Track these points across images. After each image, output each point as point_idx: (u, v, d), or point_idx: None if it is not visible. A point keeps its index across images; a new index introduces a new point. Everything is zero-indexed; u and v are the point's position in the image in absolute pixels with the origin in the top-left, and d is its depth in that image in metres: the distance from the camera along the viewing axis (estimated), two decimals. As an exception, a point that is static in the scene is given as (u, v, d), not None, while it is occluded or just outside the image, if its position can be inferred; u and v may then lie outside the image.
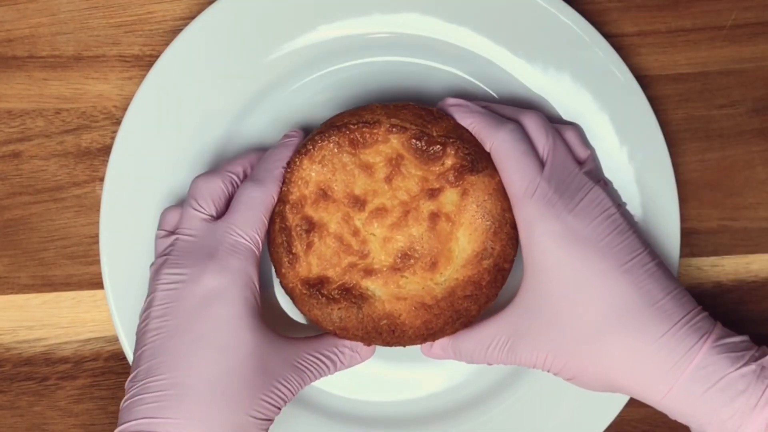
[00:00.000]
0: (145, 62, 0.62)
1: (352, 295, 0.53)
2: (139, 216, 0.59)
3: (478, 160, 0.53)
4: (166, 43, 0.60)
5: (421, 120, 0.54)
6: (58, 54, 0.62)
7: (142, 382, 0.49)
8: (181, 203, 0.56)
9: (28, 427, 0.62)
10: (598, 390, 0.52)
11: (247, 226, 0.53)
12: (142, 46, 0.62)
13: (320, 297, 0.53)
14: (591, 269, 0.50)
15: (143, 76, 0.60)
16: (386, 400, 0.60)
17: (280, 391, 0.52)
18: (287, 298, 0.56)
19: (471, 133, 0.55)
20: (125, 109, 0.60)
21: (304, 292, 0.54)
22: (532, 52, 0.59)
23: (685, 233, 0.60)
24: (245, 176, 0.56)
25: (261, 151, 0.57)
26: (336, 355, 0.55)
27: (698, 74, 0.61)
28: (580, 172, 0.54)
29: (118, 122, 0.61)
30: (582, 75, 0.58)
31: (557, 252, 0.51)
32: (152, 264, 0.54)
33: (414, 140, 0.53)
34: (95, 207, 0.62)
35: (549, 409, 0.58)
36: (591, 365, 0.51)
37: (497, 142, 0.53)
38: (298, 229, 0.54)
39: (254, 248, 0.53)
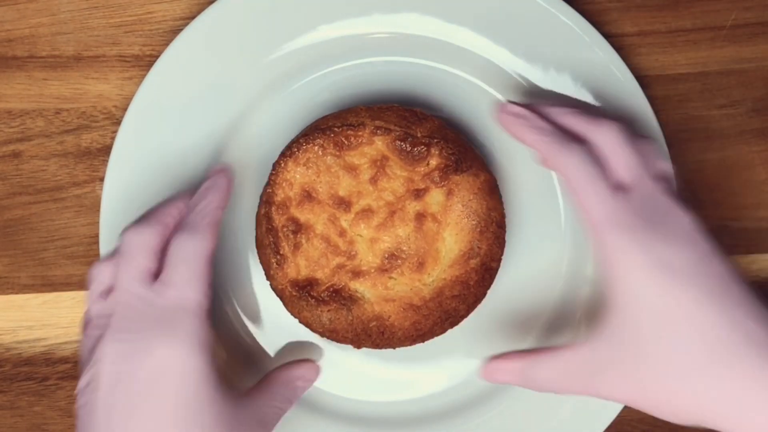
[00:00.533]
0: (145, 62, 0.62)
1: (341, 297, 0.54)
2: (139, 216, 0.59)
3: (462, 160, 0.54)
4: (166, 43, 0.60)
5: (406, 121, 0.55)
6: (58, 54, 0.62)
7: None
8: (112, 256, 0.51)
9: (28, 427, 0.62)
10: (686, 423, 0.48)
11: (190, 284, 0.49)
12: (142, 46, 0.62)
13: (309, 299, 0.54)
14: (683, 302, 0.46)
15: (143, 76, 0.60)
16: (386, 400, 0.60)
17: None
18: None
19: (455, 133, 0.55)
20: (125, 109, 0.60)
21: (294, 294, 0.54)
22: (532, 52, 0.59)
23: (685, 233, 0.60)
24: (179, 221, 0.52)
25: (190, 193, 0.53)
26: (292, 391, 0.55)
27: (698, 74, 0.61)
28: (663, 193, 0.50)
29: (118, 122, 0.61)
30: (582, 75, 0.58)
31: (646, 284, 0.47)
32: (84, 328, 0.50)
33: (398, 142, 0.54)
34: (95, 207, 0.62)
35: (549, 409, 0.58)
36: (683, 403, 0.47)
37: (569, 168, 0.50)
38: (285, 229, 0.54)
39: (200, 306, 0.49)
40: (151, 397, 0.46)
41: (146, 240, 0.50)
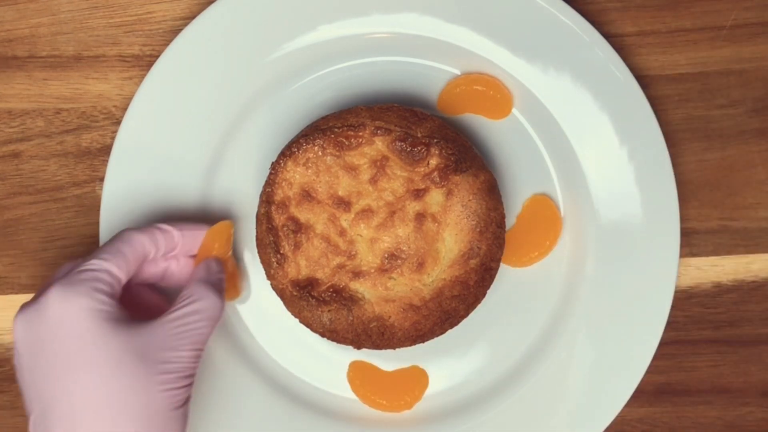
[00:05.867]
0: (145, 62, 0.62)
1: (342, 297, 0.54)
2: (139, 216, 0.59)
3: (462, 160, 0.54)
4: (166, 43, 0.60)
5: (406, 121, 0.55)
6: (58, 54, 0.62)
7: (42, 427, 0.49)
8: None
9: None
10: None
11: (101, 253, 0.52)
12: (142, 46, 0.62)
13: (310, 299, 0.54)
14: None
15: (143, 76, 0.60)
16: (386, 400, 0.60)
17: (171, 364, 0.50)
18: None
19: (455, 133, 0.55)
20: (125, 109, 0.60)
21: (294, 293, 0.54)
22: (532, 52, 0.59)
23: (685, 233, 0.60)
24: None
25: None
26: (191, 294, 0.54)
27: (698, 74, 0.61)
28: None
29: (118, 122, 0.61)
30: (582, 75, 0.58)
31: None
32: None
33: (398, 142, 0.54)
34: (95, 207, 0.62)
35: (549, 409, 0.58)
36: None
37: None
38: (285, 229, 0.54)
39: (103, 268, 0.51)
40: (53, 346, 0.49)
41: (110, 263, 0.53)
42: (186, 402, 0.51)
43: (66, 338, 0.49)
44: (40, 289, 0.52)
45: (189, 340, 0.51)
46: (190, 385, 0.51)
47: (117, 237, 0.54)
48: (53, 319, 0.49)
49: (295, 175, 0.55)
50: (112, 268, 0.52)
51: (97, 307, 0.50)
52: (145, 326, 0.51)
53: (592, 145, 0.59)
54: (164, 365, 0.50)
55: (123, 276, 0.52)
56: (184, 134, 0.59)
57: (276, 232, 0.54)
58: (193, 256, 0.57)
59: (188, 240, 0.56)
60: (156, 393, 0.49)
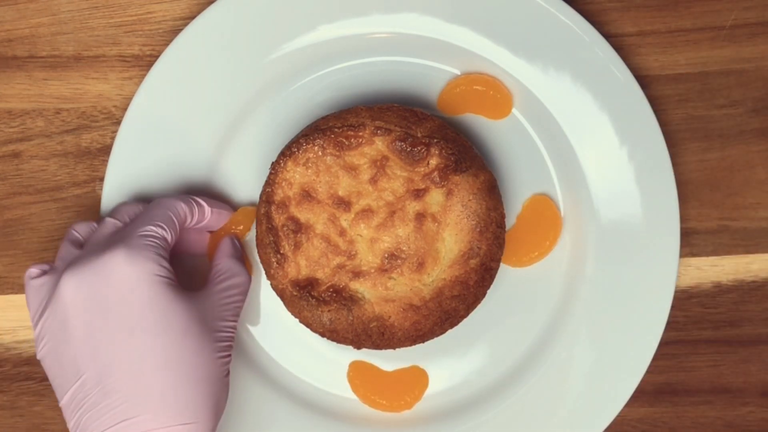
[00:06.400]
0: (145, 62, 0.62)
1: (342, 297, 0.54)
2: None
3: (462, 160, 0.54)
4: (166, 43, 0.60)
5: (406, 121, 0.55)
6: (58, 54, 0.62)
7: (98, 387, 0.49)
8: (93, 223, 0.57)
9: (28, 427, 0.62)
10: None
11: (148, 220, 0.53)
12: (142, 46, 0.62)
13: (310, 299, 0.54)
14: None
15: (143, 76, 0.60)
16: (386, 400, 0.60)
17: (223, 333, 0.53)
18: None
19: (455, 133, 0.55)
20: (125, 109, 0.60)
21: (294, 293, 0.54)
22: (532, 52, 0.59)
23: (685, 233, 0.60)
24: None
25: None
26: (231, 265, 0.57)
27: (698, 74, 0.61)
28: None
29: (118, 122, 0.61)
30: (582, 75, 0.58)
31: None
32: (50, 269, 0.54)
33: (398, 142, 0.54)
34: (95, 207, 0.62)
35: (549, 409, 0.58)
36: None
37: None
38: (285, 229, 0.54)
39: (155, 233, 0.53)
40: (119, 308, 0.50)
41: (130, 206, 0.56)
42: (229, 372, 0.53)
43: (135, 301, 0.50)
44: (63, 253, 0.54)
45: (233, 311, 0.55)
46: (231, 355, 0.54)
47: (163, 204, 0.55)
48: (121, 281, 0.50)
49: (295, 175, 0.55)
50: (168, 235, 0.53)
51: (163, 273, 0.51)
52: (198, 296, 0.53)
53: (592, 145, 0.59)
54: (218, 333, 0.52)
55: (172, 243, 0.54)
56: (184, 134, 0.59)
57: (276, 232, 0.54)
58: (210, 232, 0.59)
59: (215, 216, 0.58)
60: (215, 359, 0.51)
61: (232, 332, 0.54)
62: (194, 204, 0.56)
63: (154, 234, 0.53)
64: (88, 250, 0.53)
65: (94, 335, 0.50)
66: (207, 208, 0.57)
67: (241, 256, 0.58)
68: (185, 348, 0.50)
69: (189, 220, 0.56)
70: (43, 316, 0.52)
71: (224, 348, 0.53)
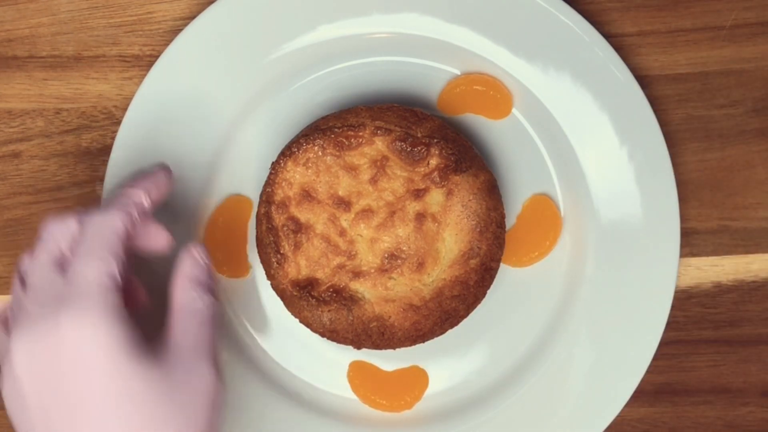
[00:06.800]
0: (145, 62, 0.62)
1: (342, 297, 0.54)
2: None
3: (462, 160, 0.54)
4: (166, 43, 0.60)
5: (406, 121, 0.55)
6: (58, 54, 0.62)
7: None
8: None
9: (28, 427, 0.62)
10: None
11: (93, 254, 0.47)
12: (142, 46, 0.62)
13: (310, 299, 0.54)
14: None
15: (143, 76, 0.60)
16: (386, 400, 0.60)
17: (199, 380, 0.47)
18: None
19: (455, 133, 0.55)
20: (125, 109, 0.60)
21: (295, 293, 0.54)
22: (532, 52, 0.59)
23: (685, 233, 0.60)
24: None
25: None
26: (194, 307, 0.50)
27: (698, 74, 0.61)
28: None
29: (118, 122, 0.61)
30: (582, 75, 0.58)
31: None
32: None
33: (398, 142, 0.54)
34: (95, 207, 0.62)
35: (549, 409, 0.58)
36: None
37: None
38: (285, 229, 0.54)
39: (107, 275, 0.46)
40: (77, 384, 0.44)
41: (62, 227, 0.49)
42: (221, 377, 0.48)
43: (91, 378, 0.44)
44: (15, 296, 0.48)
45: (206, 351, 0.48)
46: (220, 369, 0.48)
47: (98, 225, 0.48)
48: (74, 352, 0.44)
49: (295, 175, 0.55)
50: (115, 268, 0.47)
51: (121, 337, 0.45)
52: (163, 351, 0.47)
53: (592, 145, 0.59)
54: (193, 388, 0.47)
55: (124, 271, 0.48)
56: (184, 134, 0.59)
57: (276, 232, 0.54)
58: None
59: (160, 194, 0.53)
60: (190, 414, 0.46)
61: (213, 361, 0.48)
62: (133, 206, 0.50)
63: (102, 279, 0.46)
64: (38, 302, 0.46)
65: (49, 414, 0.45)
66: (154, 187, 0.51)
67: (207, 271, 0.51)
68: (152, 424, 0.44)
69: (133, 228, 0.50)
70: (4, 369, 0.46)
71: (206, 384, 0.47)
